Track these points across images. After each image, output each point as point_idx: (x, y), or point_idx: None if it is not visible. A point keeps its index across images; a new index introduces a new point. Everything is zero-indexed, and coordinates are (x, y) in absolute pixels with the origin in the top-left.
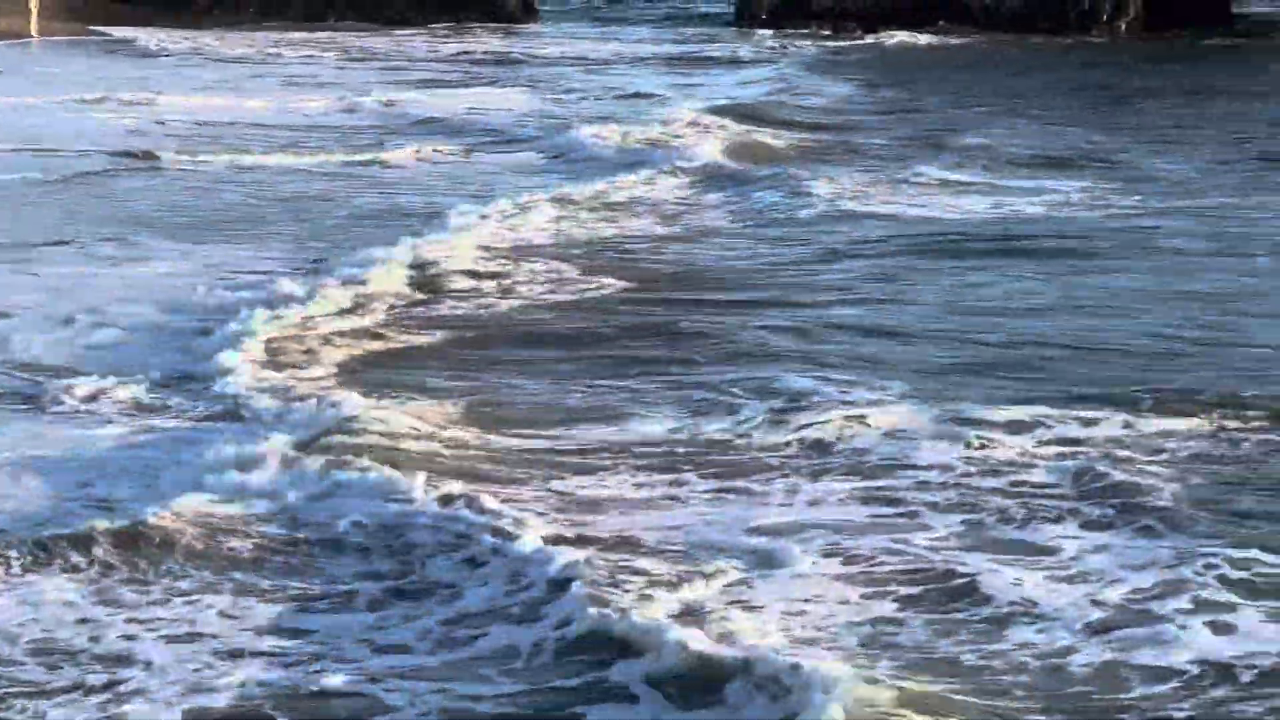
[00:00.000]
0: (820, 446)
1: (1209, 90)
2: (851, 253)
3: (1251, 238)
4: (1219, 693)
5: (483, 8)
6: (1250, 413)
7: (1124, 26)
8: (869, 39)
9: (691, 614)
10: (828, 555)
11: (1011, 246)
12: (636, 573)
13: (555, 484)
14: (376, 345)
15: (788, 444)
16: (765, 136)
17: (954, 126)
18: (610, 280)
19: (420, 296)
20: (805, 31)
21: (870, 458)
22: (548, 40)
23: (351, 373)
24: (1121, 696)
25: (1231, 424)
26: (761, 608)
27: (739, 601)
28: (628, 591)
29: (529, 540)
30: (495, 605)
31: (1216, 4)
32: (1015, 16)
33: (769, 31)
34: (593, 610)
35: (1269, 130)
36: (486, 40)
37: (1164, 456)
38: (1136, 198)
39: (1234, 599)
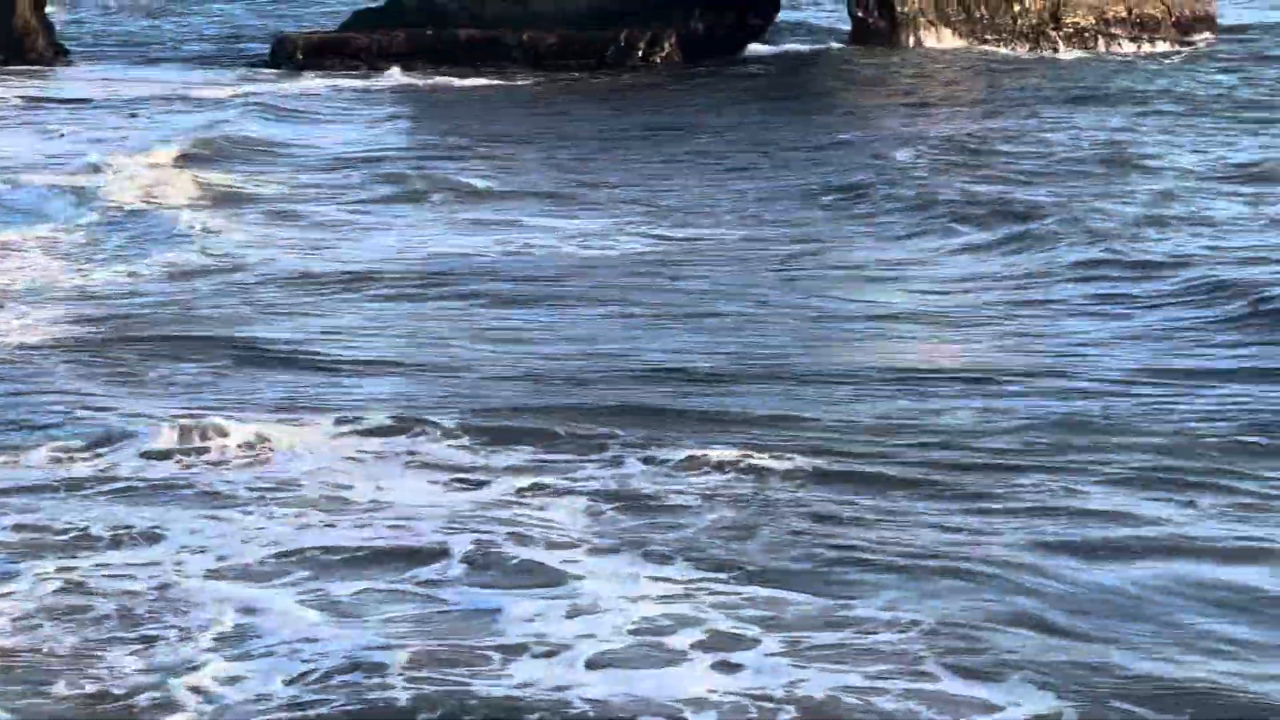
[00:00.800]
0: (294, 485)
1: (730, 126)
2: (313, 291)
3: (764, 269)
4: None
5: (9, 51)
6: (766, 453)
7: (659, 61)
8: (407, 79)
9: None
10: (305, 603)
11: (523, 291)
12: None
13: None
14: None
15: (232, 483)
16: (245, 179)
17: (465, 166)
18: (59, 326)
19: None
20: (343, 72)
21: (347, 493)
22: (80, 82)
23: None
24: None
25: (754, 458)
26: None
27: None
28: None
29: None
30: None
31: (745, 40)
32: (552, 54)
33: (311, 72)
34: None
35: (774, 168)
36: (14, 84)
37: (678, 486)
38: (651, 231)
39: (749, 633)
